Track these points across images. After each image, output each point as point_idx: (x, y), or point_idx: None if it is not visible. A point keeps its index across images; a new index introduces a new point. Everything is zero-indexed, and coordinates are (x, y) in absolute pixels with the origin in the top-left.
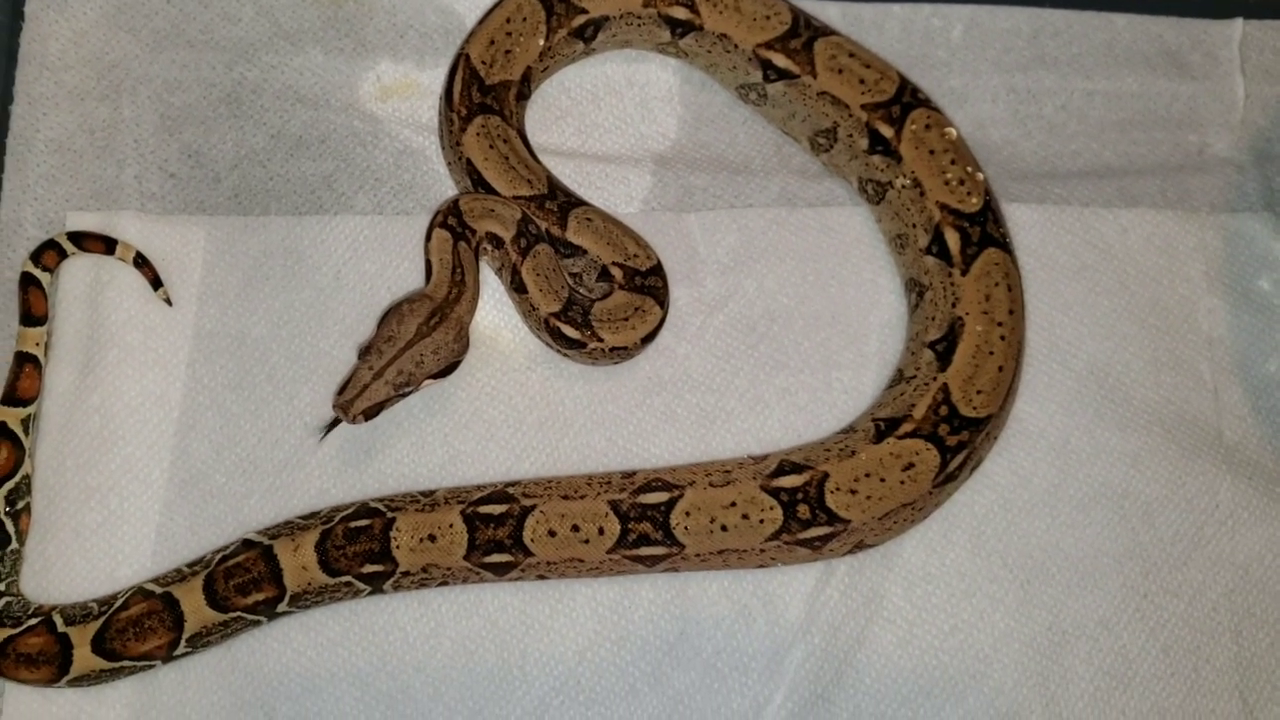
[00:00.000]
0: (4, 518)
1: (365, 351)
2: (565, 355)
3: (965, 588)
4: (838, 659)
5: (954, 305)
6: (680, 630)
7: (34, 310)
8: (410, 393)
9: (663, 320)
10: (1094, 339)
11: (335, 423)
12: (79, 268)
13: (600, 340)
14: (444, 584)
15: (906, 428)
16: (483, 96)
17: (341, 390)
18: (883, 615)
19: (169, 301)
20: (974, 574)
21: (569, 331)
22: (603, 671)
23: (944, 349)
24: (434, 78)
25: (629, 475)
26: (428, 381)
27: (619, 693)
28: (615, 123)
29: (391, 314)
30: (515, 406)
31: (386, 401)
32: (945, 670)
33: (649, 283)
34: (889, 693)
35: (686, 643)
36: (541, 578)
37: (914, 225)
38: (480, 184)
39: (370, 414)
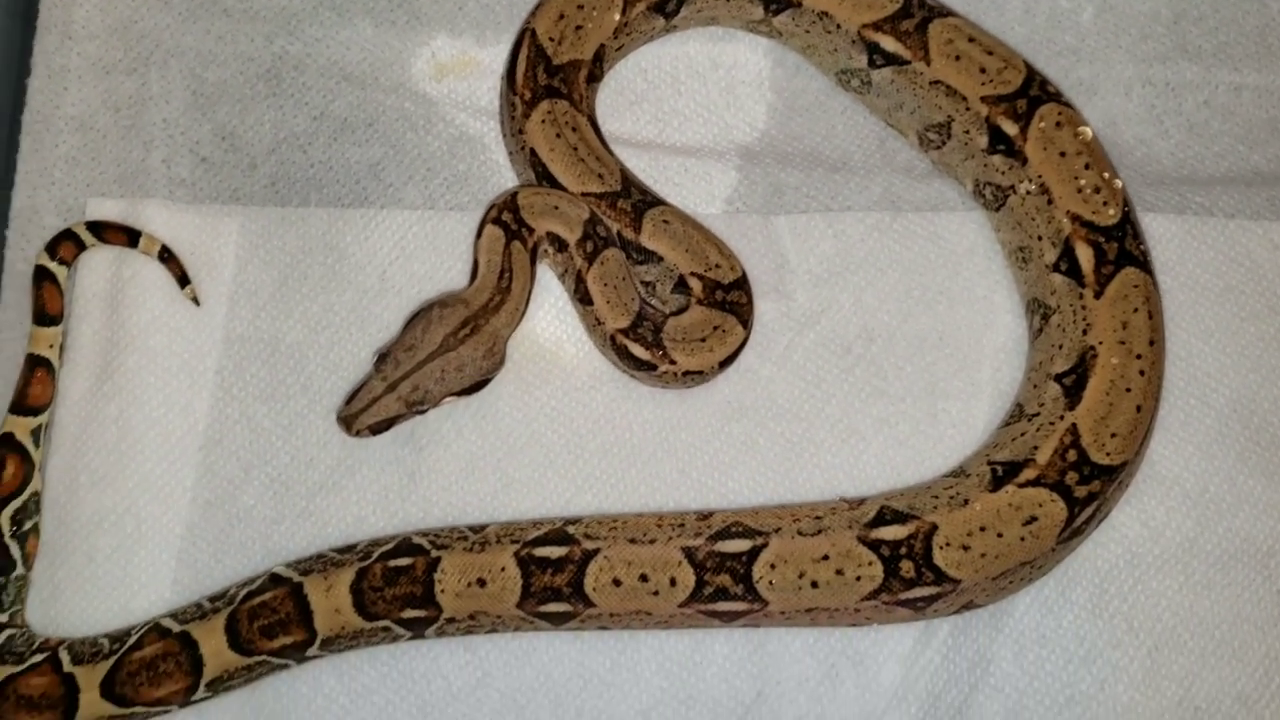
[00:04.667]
0: (9, 540)
1: (382, 359)
2: (633, 376)
3: (1084, 654)
4: None
5: (1085, 332)
6: (758, 691)
7: (48, 308)
8: (426, 410)
9: (744, 342)
10: (1239, 371)
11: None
12: (99, 262)
13: (673, 363)
14: (493, 631)
15: (1028, 474)
16: (549, 78)
17: (349, 400)
18: (989, 683)
19: (196, 301)
20: (1094, 638)
21: (638, 351)
22: None
23: (1073, 383)
24: (495, 55)
25: (705, 516)
26: (448, 399)
27: None
28: (697, 110)
29: (418, 318)
30: (577, 431)
31: (398, 418)
32: None
33: (731, 298)
34: None
35: (765, 706)
36: (603, 628)
37: (1039, 238)
38: (545, 177)
39: (377, 430)
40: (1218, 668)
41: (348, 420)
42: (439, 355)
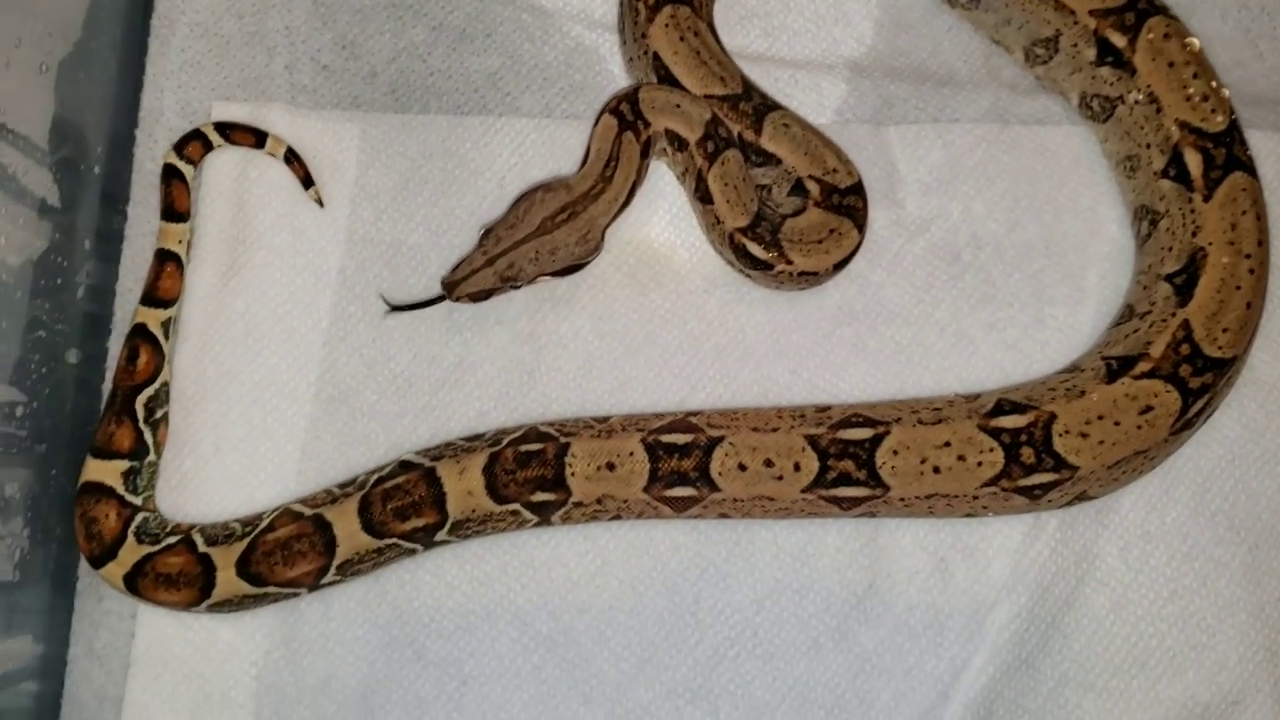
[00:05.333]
0: (143, 426)
1: (486, 234)
2: (748, 276)
3: (1187, 550)
4: (1045, 621)
5: (1194, 234)
6: (869, 582)
7: (177, 205)
8: (520, 286)
9: (859, 246)
10: None
11: (416, 305)
12: (224, 162)
13: (789, 262)
14: (616, 518)
15: (1143, 367)
16: None
17: (454, 269)
18: (1095, 576)
19: (320, 202)
20: (1197, 535)
21: (756, 250)
22: (783, 623)
23: (1183, 282)
24: None
25: (823, 409)
26: (542, 278)
27: (800, 648)
28: (805, 26)
29: (523, 199)
30: (691, 332)
31: (493, 290)
32: (1162, 640)
33: (847, 202)
34: (1099, 661)
35: (876, 597)
36: (723, 516)
37: (1147, 145)
38: (668, 80)
39: (476, 298)
40: None
41: (449, 286)
42: (536, 237)
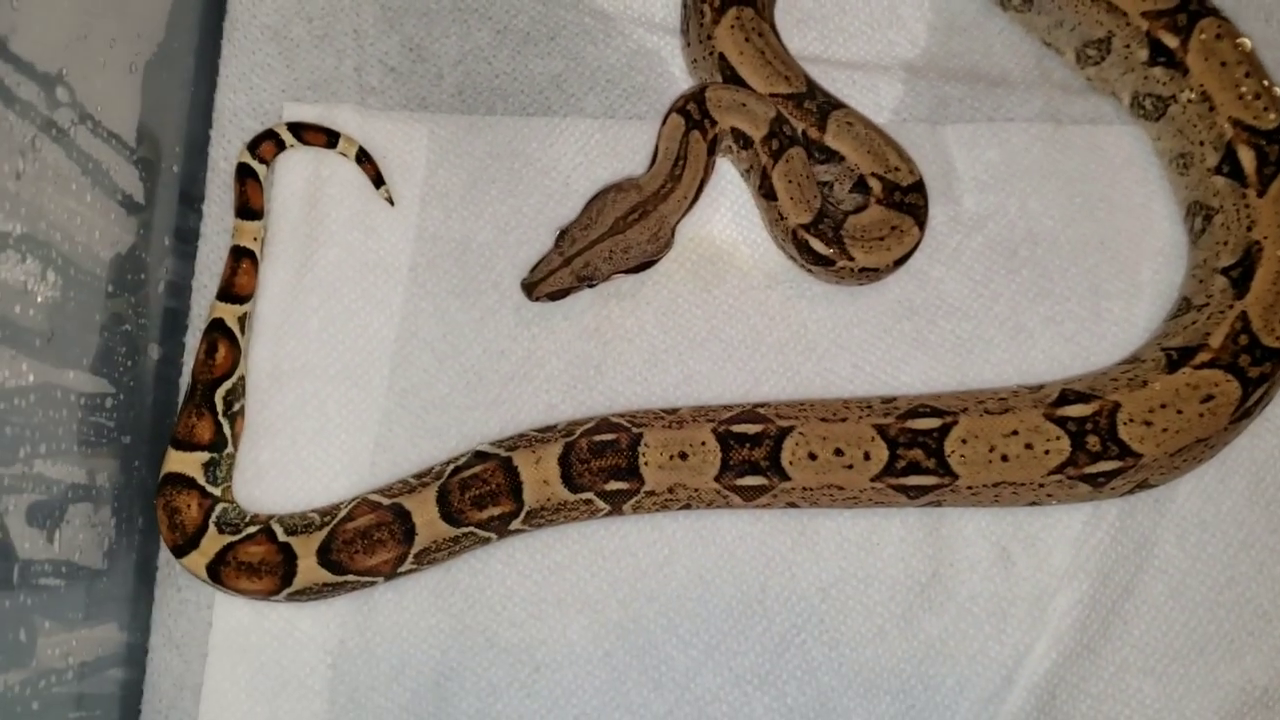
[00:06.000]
0: (222, 419)
1: (562, 235)
2: (809, 271)
3: (1243, 538)
4: (1105, 608)
5: (1249, 229)
6: (933, 571)
7: (251, 203)
8: (596, 284)
9: (919, 243)
10: None
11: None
12: (297, 162)
13: (851, 259)
14: (686, 507)
15: (1203, 357)
16: None
17: (532, 270)
18: (1154, 564)
19: (391, 201)
20: (1253, 523)
21: (818, 246)
22: (848, 611)
23: (1239, 275)
24: None
25: (889, 400)
26: (617, 276)
27: (866, 635)
28: (861, 29)
29: (595, 200)
30: (754, 327)
31: (571, 289)
32: (1220, 626)
33: (909, 200)
34: (1159, 647)
35: (939, 585)
36: (791, 505)
37: (1201, 143)
38: (734, 80)
39: (554, 297)
40: None
41: (528, 287)
42: (609, 236)
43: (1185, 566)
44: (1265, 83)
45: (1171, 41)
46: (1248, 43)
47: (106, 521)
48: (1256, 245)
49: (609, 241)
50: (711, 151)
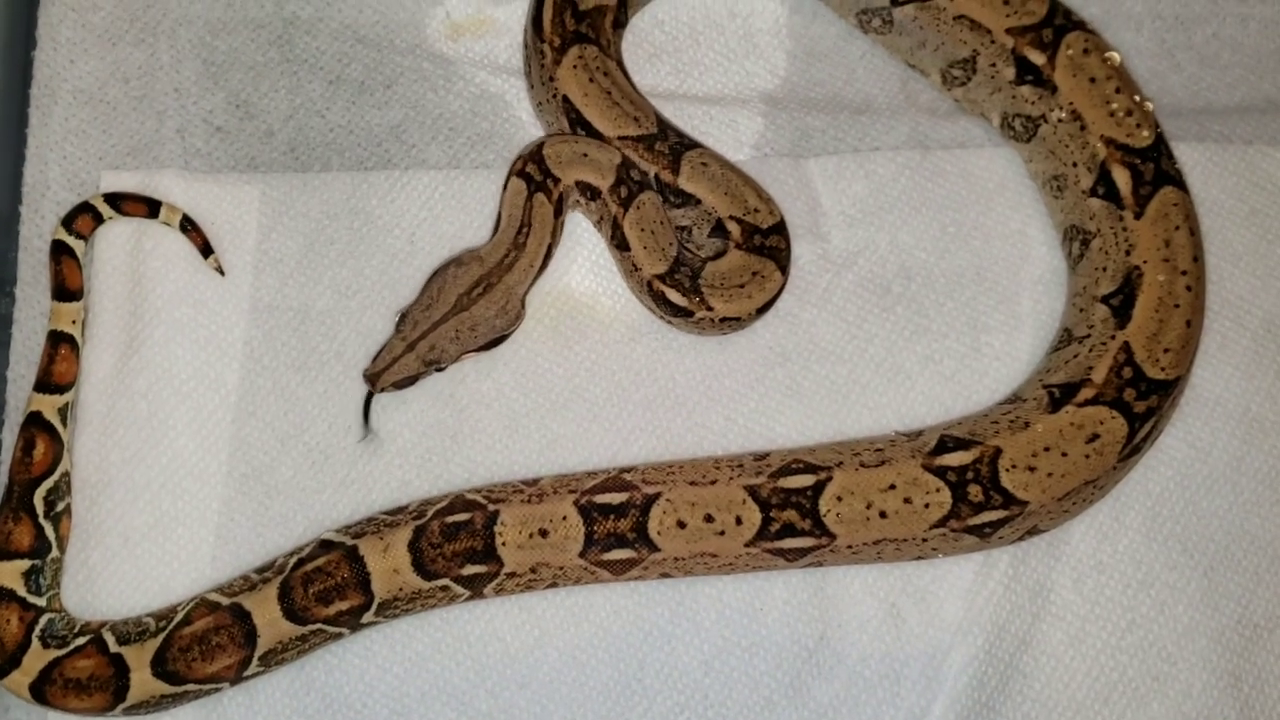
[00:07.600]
0: (43, 522)
1: (402, 319)
2: (670, 323)
3: (1142, 578)
4: (1003, 662)
5: (1128, 253)
6: (820, 634)
7: (68, 283)
8: (444, 367)
9: (782, 288)
10: (1270, 292)
11: (367, 413)
12: (117, 234)
13: (710, 309)
14: (553, 585)
15: (1086, 394)
16: (577, 24)
17: (374, 359)
18: (1051, 611)
19: (221, 271)
20: (1151, 562)
21: (675, 297)
22: (733, 684)
23: (1120, 303)
24: (510, 13)
25: (761, 457)
26: (467, 356)
27: (753, 707)
28: (717, 60)
29: (435, 278)
30: (619, 384)
31: (418, 376)
32: (1124, 672)
33: (770, 243)
34: (1061, 699)
35: (828, 648)
36: (665, 576)
37: (1074, 164)
38: (579, 124)
39: (400, 386)
40: (1273, 584)
41: (371, 378)
42: (454, 315)
43: (1084, 612)
44: (1137, 98)
45: (1038, 58)
46: (1116, 56)
47: None
48: (1136, 270)
49: (454, 320)
50: (559, 212)
